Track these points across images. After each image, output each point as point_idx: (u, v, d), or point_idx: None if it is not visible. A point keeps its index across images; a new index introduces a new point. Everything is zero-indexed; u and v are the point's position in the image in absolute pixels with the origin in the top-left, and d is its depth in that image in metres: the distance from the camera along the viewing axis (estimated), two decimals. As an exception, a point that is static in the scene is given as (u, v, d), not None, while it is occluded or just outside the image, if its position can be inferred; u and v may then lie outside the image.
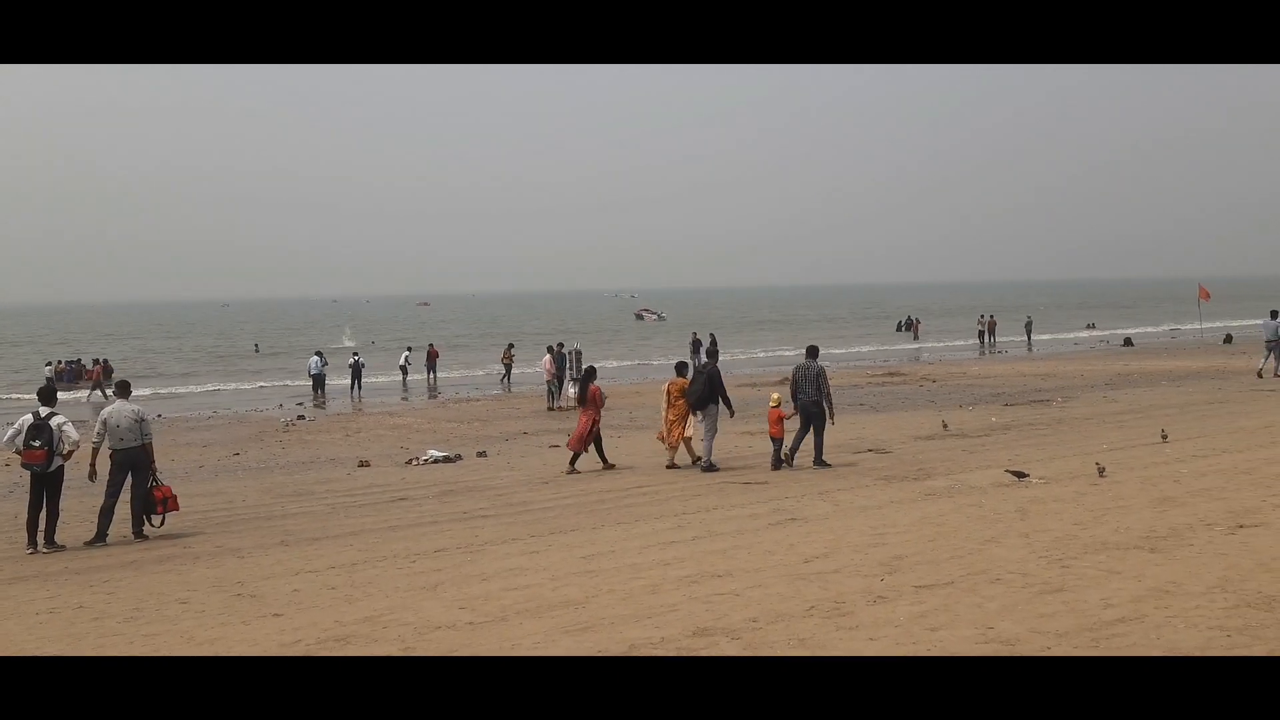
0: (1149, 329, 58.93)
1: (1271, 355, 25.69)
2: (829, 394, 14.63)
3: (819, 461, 14.50)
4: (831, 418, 14.76)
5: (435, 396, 34.36)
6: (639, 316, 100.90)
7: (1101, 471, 11.80)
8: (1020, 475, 11.97)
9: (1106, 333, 56.69)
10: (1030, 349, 48.59)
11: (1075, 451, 14.67)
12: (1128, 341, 46.99)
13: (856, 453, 16.02)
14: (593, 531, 10.63)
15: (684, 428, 15.25)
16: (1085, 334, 58.32)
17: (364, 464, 17.79)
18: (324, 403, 33.13)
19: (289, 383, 40.76)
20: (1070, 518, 9.28)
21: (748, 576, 7.86)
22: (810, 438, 14.68)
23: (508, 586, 8.12)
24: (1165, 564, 7.21)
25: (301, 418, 27.19)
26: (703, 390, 14.99)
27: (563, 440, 20.32)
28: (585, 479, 14.81)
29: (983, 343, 51.25)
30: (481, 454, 18.48)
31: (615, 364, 46.34)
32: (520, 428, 23.05)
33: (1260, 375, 25.66)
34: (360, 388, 35.56)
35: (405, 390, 37.17)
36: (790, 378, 15.24)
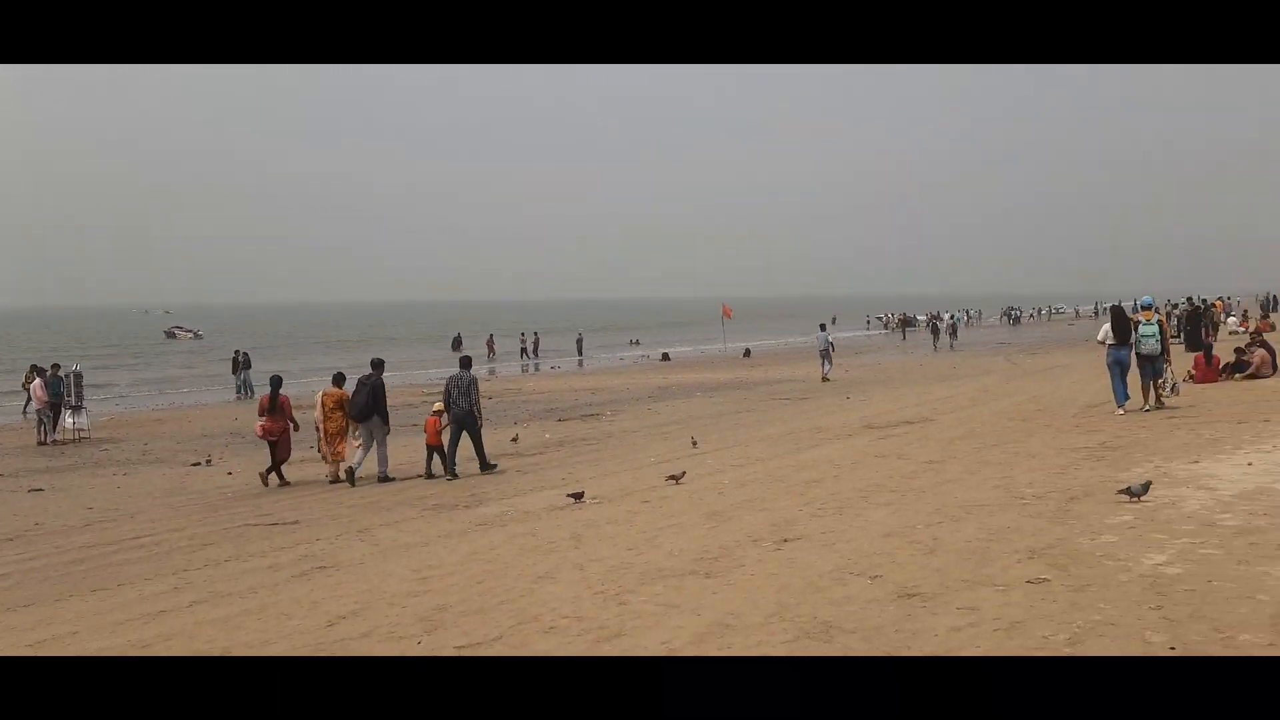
0: (684, 348, 64.03)
1: (825, 361, 31.65)
2: (478, 402, 15.03)
3: (485, 467, 14.75)
4: (480, 421, 15.08)
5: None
6: (170, 334, 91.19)
7: (679, 478, 11.95)
8: (577, 496, 11.39)
9: (648, 350, 60.70)
10: (581, 364, 50.47)
11: (627, 466, 14.59)
12: (665, 356, 50.54)
13: (405, 479, 14.76)
14: (54, 605, 8.24)
15: (345, 441, 15.04)
16: (630, 351, 62.00)
17: None
18: None
19: None
20: (624, 542, 8.71)
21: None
22: (466, 445, 14.85)
23: (-109, 709, 5.72)
24: (722, 591, 6.74)
25: None
26: (366, 402, 14.78)
27: (49, 484, 16.72)
28: (65, 532, 11.96)
29: (524, 358, 54.34)
30: (-74, 507, 14.49)
31: (130, 390, 40.80)
32: (-7, 469, 18.74)
33: (825, 380, 30.55)
34: None
35: None
36: (444, 388, 15.27)
